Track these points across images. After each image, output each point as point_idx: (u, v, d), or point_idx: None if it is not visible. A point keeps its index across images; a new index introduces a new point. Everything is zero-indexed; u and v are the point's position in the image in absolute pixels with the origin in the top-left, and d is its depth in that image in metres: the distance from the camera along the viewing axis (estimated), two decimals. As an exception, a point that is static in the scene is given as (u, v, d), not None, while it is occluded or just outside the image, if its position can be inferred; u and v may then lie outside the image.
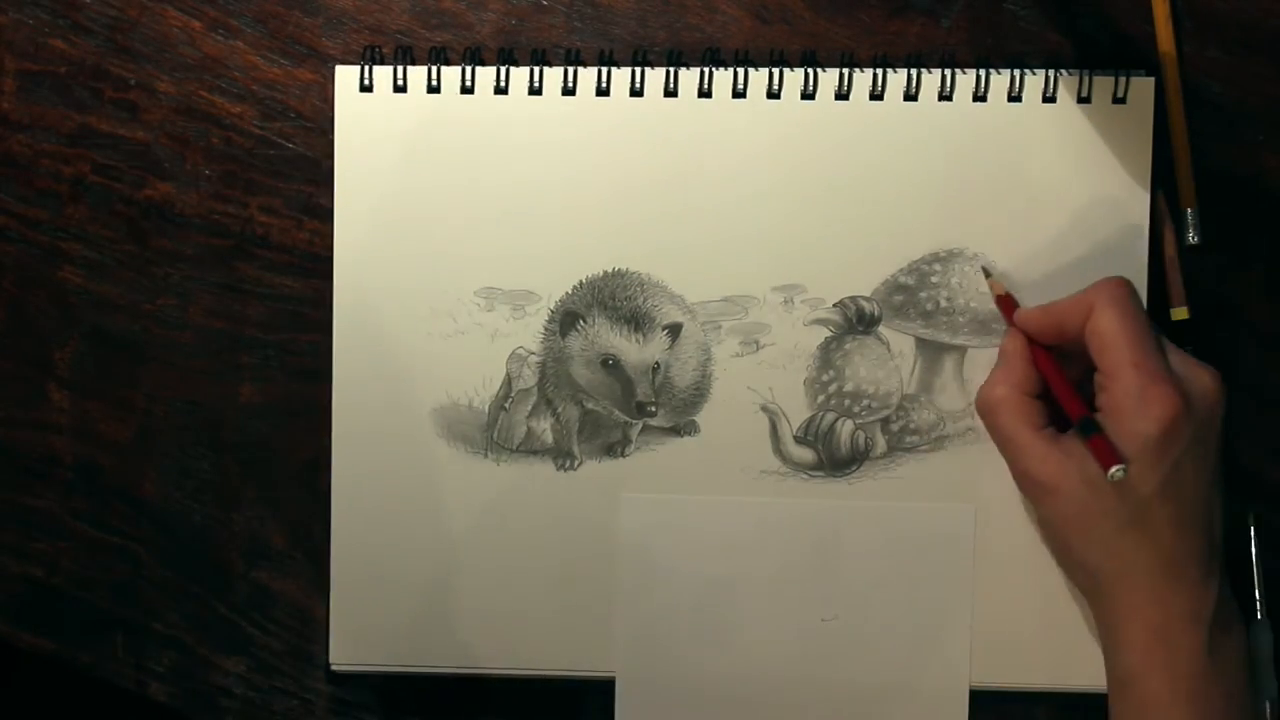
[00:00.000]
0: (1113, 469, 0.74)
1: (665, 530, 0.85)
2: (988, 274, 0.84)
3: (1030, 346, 0.80)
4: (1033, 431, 0.78)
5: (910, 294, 0.85)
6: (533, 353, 0.85)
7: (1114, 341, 0.76)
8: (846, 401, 0.85)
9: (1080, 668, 0.85)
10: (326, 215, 0.85)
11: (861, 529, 0.85)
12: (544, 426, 0.85)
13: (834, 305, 0.85)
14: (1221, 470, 0.78)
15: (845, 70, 0.84)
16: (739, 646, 0.85)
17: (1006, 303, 0.83)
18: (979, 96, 0.84)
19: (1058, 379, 0.79)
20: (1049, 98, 0.84)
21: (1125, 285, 0.78)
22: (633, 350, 0.85)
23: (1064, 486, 0.77)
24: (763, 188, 0.85)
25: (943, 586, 0.85)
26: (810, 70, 0.84)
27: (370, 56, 0.85)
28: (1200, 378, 0.77)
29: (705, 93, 0.85)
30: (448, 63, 0.85)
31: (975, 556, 0.85)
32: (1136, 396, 0.75)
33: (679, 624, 0.85)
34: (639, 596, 0.85)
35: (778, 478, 0.85)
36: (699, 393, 0.85)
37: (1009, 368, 0.80)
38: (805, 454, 0.85)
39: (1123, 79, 0.84)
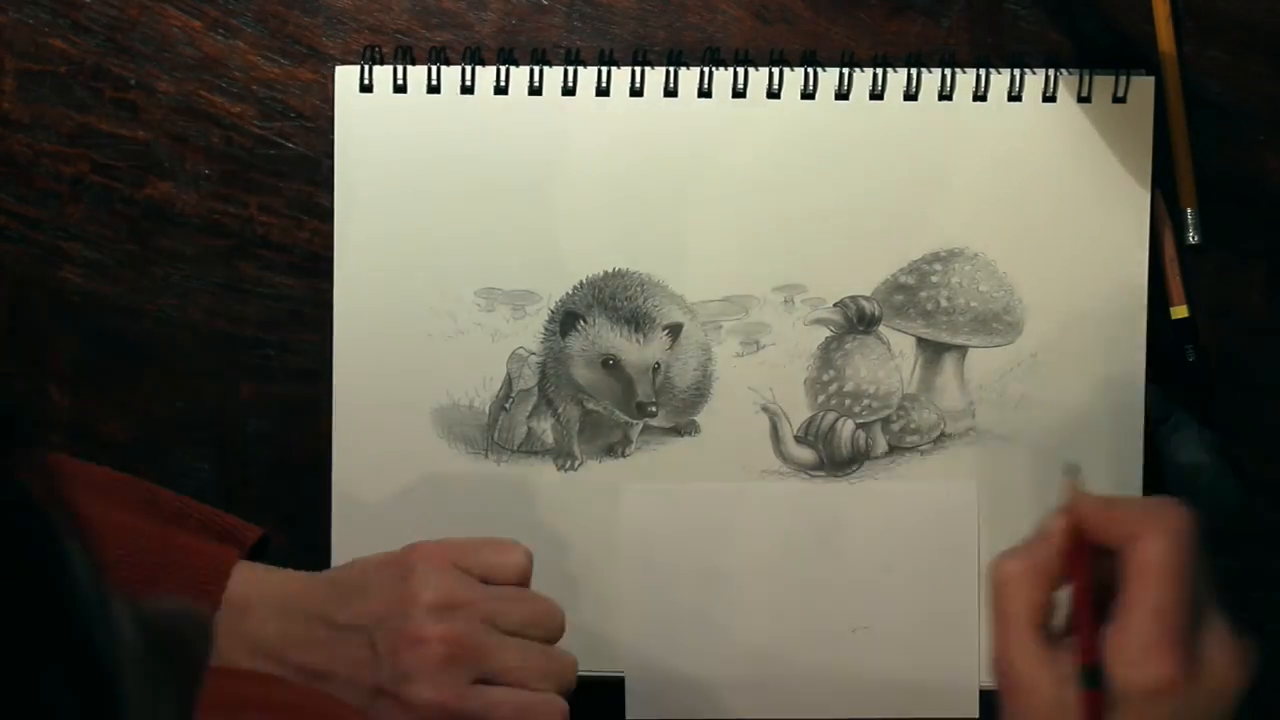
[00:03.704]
0: None
1: (667, 522, 0.85)
2: (1071, 474, 0.73)
3: (1072, 540, 0.71)
4: (1031, 624, 0.71)
5: (910, 294, 0.85)
6: (533, 353, 0.85)
7: (1148, 577, 0.69)
8: (847, 401, 0.85)
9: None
10: (326, 215, 0.85)
11: (863, 512, 0.85)
12: (544, 427, 0.85)
13: (834, 305, 0.85)
14: None
15: (845, 70, 0.84)
16: (746, 639, 0.85)
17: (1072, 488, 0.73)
18: (979, 96, 0.84)
19: (1081, 601, 0.71)
20: (1049, 98, 0.84)
21: (1188, 521, 0.70)
22: (633, 350, 0.85)
23: (1035, 690, 0.70)
24: (762, 188, 0.85)
25: (949, 567, 0.84)
26: (810, 70, 0.84)
27: (370, 56, 0.85)
28: (1223, 662, 0.69)
29: (705, 93, 0.84)
30: (448, 63, 0.85)
31: (980, 534, 0.85)
32: (1139, 645, 0.68)
33: (684, 619, 0.85)
34: (642, 592, 0.85)
35: (778, 477, 0.85)
36: (699, 393, 0.85)
37: (1039, 547, 0.72)
38: (806, 454, 0.85)
39: (1123, 79, 0.84)
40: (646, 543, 0.85)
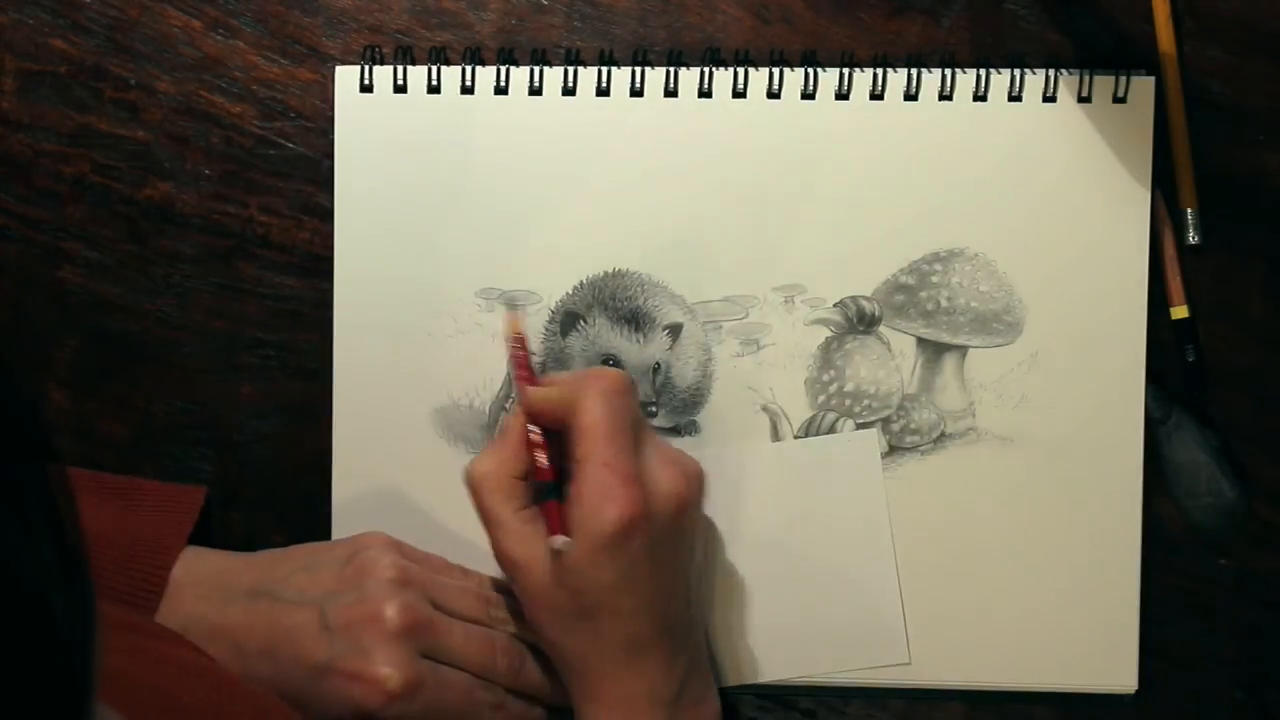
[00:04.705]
0: (556, 539, 0.76)
1: None
2: (511, 306, 0.84)
3: (527, 429, 0.80)
4: (511, 511, 0.79)
5: (911, 294, 0.85)
6: (533, 353, 0.85)
7: (590, 436, 0.77)
8: (847, 401, 0.85)
9: (1080, 668, 0.85)
10: (326, 215, 0.85)
11: (767, 469, 0.85)
12: (544, 426, 0.85)
13: (834, 305, 0.85)
14: (691, 558, 0.80)
15: (845, 70, 0.84)
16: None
17: (518, 349, 0.83)
18: (979, 96, 0.84)
19: (540, 449, 0.79)
20: (1049, 98, 0.84)
21: (617, 380, 0.79)
22: (633, 350, 0.85)
23: (534, 567, 0.78)
24: (763, 188, 0.85)
25: (860, 517, 0.85)
26: (810, 70, 0.84)
27: (370, 56, 0.85)
28: (668, 479, 0.78)
29: (705, 93, 0.84)
30: (448, 63, 0.85)
31: (887, 481, 0.85)
32: (599, 494, 0.76)
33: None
34: None
35: (778, 477, 0.85)
36: (699, 393, 0.85)
37: (502, 445, 0.80)
38: (806, 454, 0.85)
39: (1123, 79, 0.84)
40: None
